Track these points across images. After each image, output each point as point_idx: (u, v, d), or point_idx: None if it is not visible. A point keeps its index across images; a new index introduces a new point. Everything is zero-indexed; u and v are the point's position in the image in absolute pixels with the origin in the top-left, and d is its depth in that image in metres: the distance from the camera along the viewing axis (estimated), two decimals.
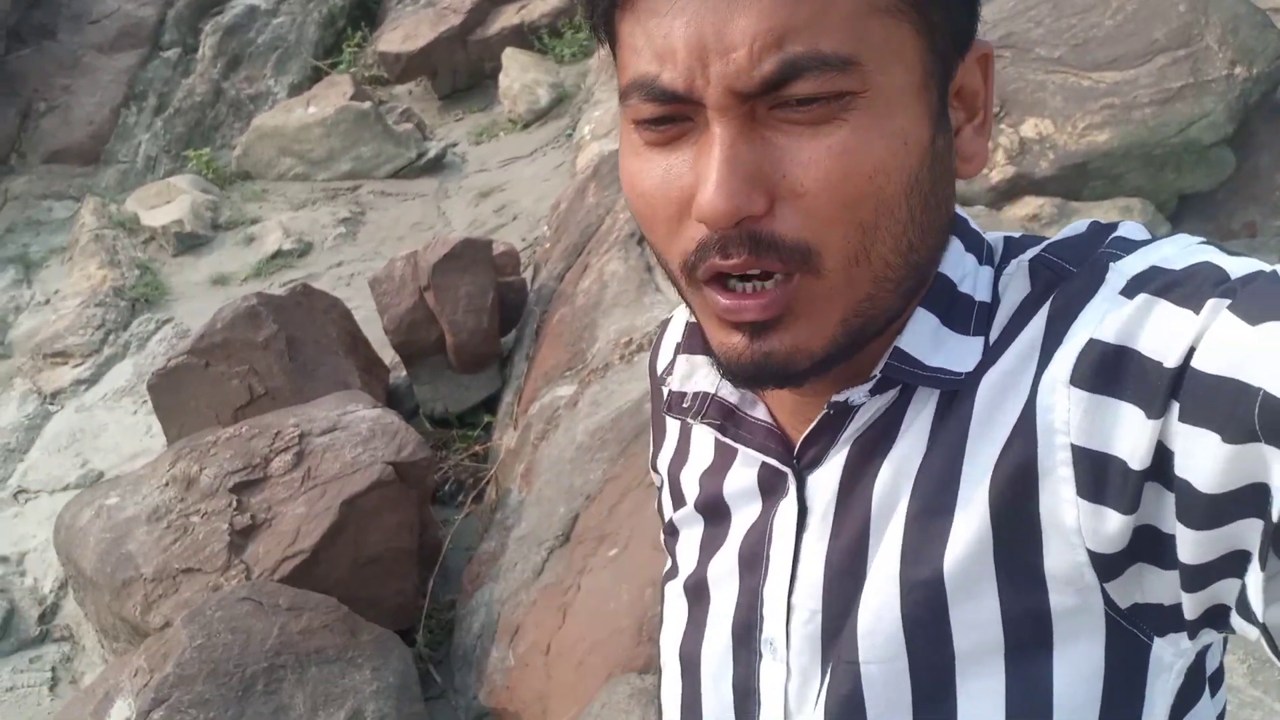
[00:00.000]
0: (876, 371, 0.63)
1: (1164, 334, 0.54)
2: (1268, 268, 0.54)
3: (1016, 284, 0.64)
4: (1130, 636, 0.59)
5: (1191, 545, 0.53)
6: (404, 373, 3.93)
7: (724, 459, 0.75)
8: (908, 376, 0.63)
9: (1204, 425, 0.51)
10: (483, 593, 2.75)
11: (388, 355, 3.95)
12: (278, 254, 5.14)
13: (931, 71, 0.58)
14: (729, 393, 0.71)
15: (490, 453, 3.44)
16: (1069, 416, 0.56)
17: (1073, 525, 0.57)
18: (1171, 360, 0.53)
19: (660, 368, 0.84)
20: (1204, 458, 0.51)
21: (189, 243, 5.29)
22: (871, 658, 0.63)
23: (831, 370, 0.62)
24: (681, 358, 0.73)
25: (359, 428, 2.92)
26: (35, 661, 3.16)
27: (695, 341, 0.71)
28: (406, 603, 2.88)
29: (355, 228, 5.34)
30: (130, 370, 4.45)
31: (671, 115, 0.58)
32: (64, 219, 5.73)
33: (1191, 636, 0.59)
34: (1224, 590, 0.54)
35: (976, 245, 0.67)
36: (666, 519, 0.83)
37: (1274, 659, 0.53)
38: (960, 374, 0.62)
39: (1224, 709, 0.67)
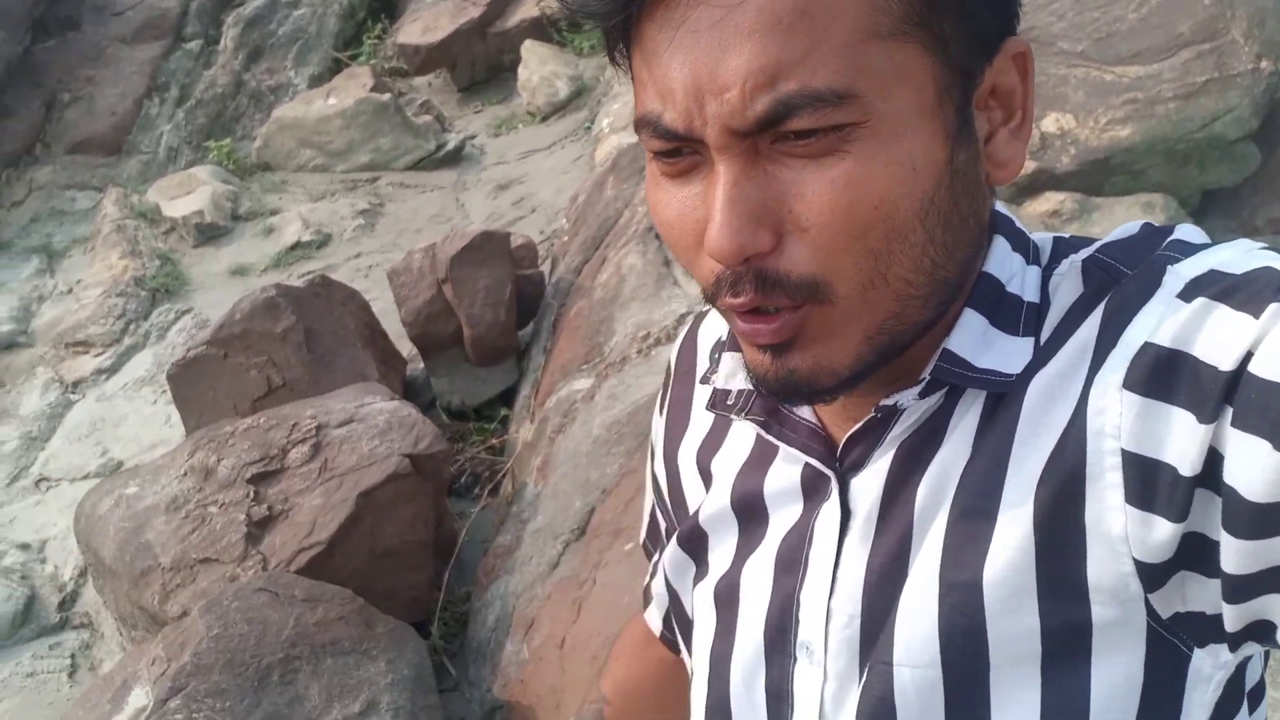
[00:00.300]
0: (925, 374, 0.62)
1: (1221, 338, 0.52)
2: None
3: (1068, 285, 0.62)
4: (1170, 647, 0.58)
5: (1235, 555, 0.52)
6: (421, 365, 3.93)
7: (764, 454, 0.74)
8: (956, 378, 0.62)
9: (1256, 432, 0.50)
10: (498, 586, 2.75)
11: (405, 347, 3.95)
12: (297, 245, 5.15)
13: (946, 86, 0.57)
14: None
15: (507, 446, 3.44)
16: (1120, 421, 0.55)
17: (1119, 533, 0.56)
18: (1227, 364, 0.51)
19: (700, 367, 0.83)
20: (1254, 466, 0.50)
21: (209, 233, 5.31)
22: (905, 660, 0.62)
23: (865, 381, 0.61)
24: (727, 355, 0.72)
25: (376, 420, 2.93)
26: (55, 648, 3.19)
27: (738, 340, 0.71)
28: (422, 595, 2.88)
29: (374, 219, 5.34)
30: (150, 360, 4.48)
31: (680, 148, 0.58)
32: (87, 209, 5.76)
33: (1232, 649, 0.57)
34: (1268, 606, 0.53)
35: (1023, 245, 0.66)
36: (689, 508, 0.81)
37: None
38: (1010, 375, 0.61)
39: None
